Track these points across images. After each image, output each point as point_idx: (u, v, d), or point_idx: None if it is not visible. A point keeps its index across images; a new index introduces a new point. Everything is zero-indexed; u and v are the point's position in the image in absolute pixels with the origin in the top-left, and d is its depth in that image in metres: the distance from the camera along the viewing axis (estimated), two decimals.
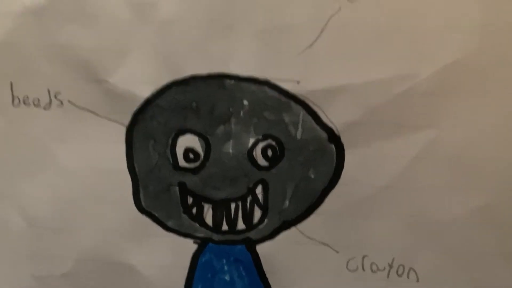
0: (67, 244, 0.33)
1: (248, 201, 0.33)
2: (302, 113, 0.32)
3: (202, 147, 0.32)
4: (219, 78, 0.32)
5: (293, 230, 0.33)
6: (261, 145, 0.32)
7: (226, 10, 0.31)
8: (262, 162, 0.32)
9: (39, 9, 0.32)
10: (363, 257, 0.33)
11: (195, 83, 0.32)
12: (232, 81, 0.32)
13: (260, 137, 0.32)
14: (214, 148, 0.32)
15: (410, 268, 0.32)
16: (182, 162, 0.33)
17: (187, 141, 0.33)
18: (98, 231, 0.33)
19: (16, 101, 0.32)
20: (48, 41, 0.32)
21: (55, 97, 0.32)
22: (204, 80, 0.32)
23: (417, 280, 0.32)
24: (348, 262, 0.33)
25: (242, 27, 0.32)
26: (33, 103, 0.32)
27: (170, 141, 0.33)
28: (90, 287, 0.34)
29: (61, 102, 0.32)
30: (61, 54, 0.32)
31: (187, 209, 0.33)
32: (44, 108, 0.32)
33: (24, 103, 0.32)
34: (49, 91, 0.32)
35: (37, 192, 0.33)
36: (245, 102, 0.32)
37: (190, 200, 0.33)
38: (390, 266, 0.32)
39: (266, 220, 0.33)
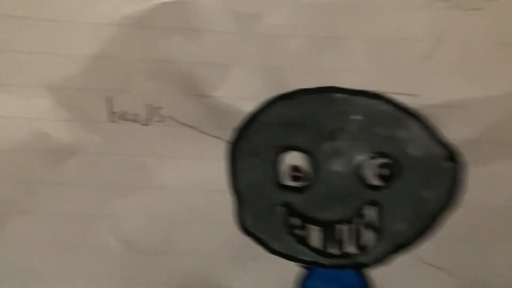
0: (166, 269, 0.32)
1: (358, 222, 0.31)
2: (417, 128, 0.30)
3: (308, 164, 0.31)
4: (328, 91, 0.31)
5: (408, 254, 0.31)
6: (372, 163, 0.31)
7: (335, 22, 0.30)
8: (373, 181, 0.31)
9: (140, 19, 0.31)
10: (484, 284, 0.30)
11: (301, 98, 0.31)
12: (342, 95, 0.31)
13: (371, 154, 0.31)
14: (321, 166, 0.31)
15: None
16: (287, 181, 0.31)
17: (293, 158, 0.31)
18: (199, 254, 0.31)
19: (113, 116, 0.31)
20: (149, 54, 0.31)
21: (156, 112, 0.31)
22: (311, 94, 0.31)
23: None
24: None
25: (352, 39, 0.30)
26: (132, 118, 0.31)
27: (275, 158, 0.31)
28: None
29: (162, 118, 0.31)
30: (162, 68, 0.31)
31: (292, 231, 0.31)
32: (144, 124, 0.31)
33: (122, 118, 0.31)
34: (149, 106, 0.31)
35: (134, 213, 0.32)
36: (356, 117, 0.31)
37: (295, 221, 0.31)
38: None
39: (378, 243, 0.31)
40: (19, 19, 0.31)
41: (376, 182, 0.31)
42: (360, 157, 0.31)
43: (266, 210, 0.31)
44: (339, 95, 0.31)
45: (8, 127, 0.31)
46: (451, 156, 0.30)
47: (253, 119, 0.31)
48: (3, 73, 0.31)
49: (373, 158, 0.31)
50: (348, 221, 0.31)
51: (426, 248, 0.31)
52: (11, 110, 0.31)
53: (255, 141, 0.31)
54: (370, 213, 0.31)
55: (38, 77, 0.31)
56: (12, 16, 0.31)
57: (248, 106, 0.31)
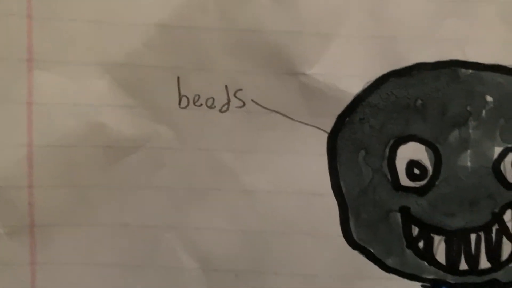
0: None
1: (494, 231, 0.27)
2: None
3: (430, 159, 0.27)
4: (452, 66, 0.27)
5: None
6: (511, 156, 0.27)
7: None
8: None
9: None
10: None
11: (420, 74, 0.27)
12: (470, 71, 0.27)
13: (510, 145, 0.27)
14: (446, 161, 0.27)
15: None
16: (404, 180, 0.27)
17: (411, 151, 0.27)
18: (297, 275, 0.28)
19: (184, 101, 0.27)
20: (227, 24, 0.27)
21: (235, 95, 0.27)
22: (432, 70, 0.27)
23: None
24: None
25: (484, 2, 0.27)
26: (206, 104, 0.27)
27: (387, 152, 0.27)
28: None
29: (243, 103, 0.27)
30: (244, 41, 0.27)
31: (412, 243, 0.27)
32: (220, 111, 0.27)
33: (195, 103, 0.27)
34: (227, 88, 0.27)
35: (212, 224, 0.28)
36: (488, 99, 0.27)
37: (415, 230, 0.27)
38: None
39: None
40: None
41: None
42: (495, 149, 0.27)
43: (380, 217, 0.28)
44: (465, 70, 0.27)
45: (57, 117, 0.27)
46: None
47: (359, 102, 0.27)
48: (49, 48, 0.27)
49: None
50: (481, 229, 0.27)
51: None
52: (60, 95, 0.27)
53: (361, 130, 0.27)
54: (509, 219, 0.27)
55: (93, 53, 0.27)
56: None
57: (353, 86, 0.27)
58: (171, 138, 0.27)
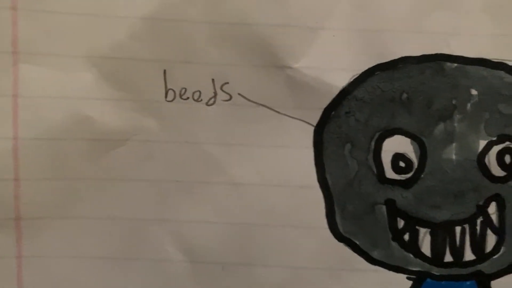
0: (242, 286, 0.28)
1: (479, 223, 0.27)
2: None
3: (415, 152, 0.27)
4: (438, 60, 0.27)
5: None
6: (495, 149, 0.27)
7: None
8: (497, 172, 0.27)
9: None
10: None
11: (405, 68, 0.27)
12: (455, 65, 0.27)
13: (494, 138, 0.27)
14: (431, 154, 0.27)
15: None
16: (390, 173, 0.27)
17: (396, 144, 0.27)
18: (283, 266, 0.28)
19: (171, 94, 0.27)
20: (214, 17, 0.27)
21: (222, 89, 0.27)
22: (417, 64, 0.27)
23: None
24: None
25: None
26: (193, 97, 0.27)
27: (373, 145, 0.27)
28: None
29: (230, 96, 0.27)
30: (231, 34, 0.27)
31: (397, 235, 0.27)
32: (207, 104, 0.27)
33: (181, 97, 0.27)
34: (213, 82, 0.27)
35: (200, 216, 0.28)
36: (473, 92, 0.27)
37: (401, 223, 0.27)
38: None
39: (502, 249, 0.27)
40: None
41: (500, 173, 0.27)
42: (480, 142, 0.27)
43: (365, 210, 0.27)
44: (451, 64, 0.27)
45: (43, 110, 0.27)
46: None
47: (345, 96, 0.27)
48: (36, 40, 0.27)
49: (496, 143, 0.27)
50: (466, 222, 0.27)
51: None
52: (47, 87, 0.27)
53: (347, 123, 0.27)
54: (494, 211, 0.27)
55: (79, 45, 0.27)
56: None
57: (339, 79, 0.27)
58: (158, 131, 0.27)
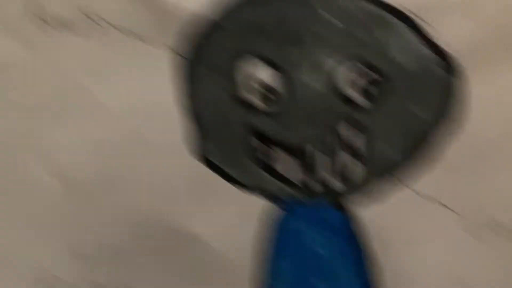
0: (110, 207, 0.28)
1: (335, 146, 0.27)
2: (404, 31, 0.27)
3: (273, 77, 0.27)
4: None
5: (400, 186, 0.27)
6: (350, 73, 0.27)
7: None
8: (352, 95, 0.27)
9: None
10: (488, 219, 0.27)
11: None
12: None
13: (350, 62, 0.27)
14: (288, 78, 0.27)
15: None
16: (248, 98, 0.28)
17: (256, 71, 0.27)
18: (148, 188, 0.28)
19: (39, 23, 0.28)
20: None
21: (89, 17, 0.28)
22: None
23: None
24: (469, 224, 0.27)
25: None
26: (63, 26, 0.28)
27: (236, 72, 0.28)
28: (142, 261, 0.29)
29: (97, 24, 0.28)
30: None
31: (255, 156, 0.28)
32: (76, 33, 0.28)
33: (51, 26, 0.28)
34: (81, 10, 0.27)
35: (69, 141, 0.28)
36: (330, 18, 0.27)
37: (259, 144, 0.28)
38: None
39: (362, 173, 0.27)
40: None
41: (355, 97, 0.27)
42: (335, 66, 0.27)
43: (226, 133, 0.28)
44: None
45: None
46: (446, 63, 0.26)
47: (209, 25, 0.27)
48: None
49: (353, 67, 0.27)
50: (321, 144, 0.27)
51: (421, 180, 0.27)
52: None
53: (212, 52, 0.28)
54: (349, 134, 0.27)
55: None
56: None
57: (201, 7, 0.27)
58: (30, 61, 0.28)
